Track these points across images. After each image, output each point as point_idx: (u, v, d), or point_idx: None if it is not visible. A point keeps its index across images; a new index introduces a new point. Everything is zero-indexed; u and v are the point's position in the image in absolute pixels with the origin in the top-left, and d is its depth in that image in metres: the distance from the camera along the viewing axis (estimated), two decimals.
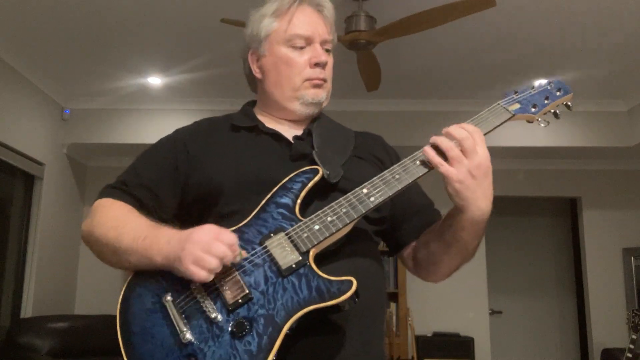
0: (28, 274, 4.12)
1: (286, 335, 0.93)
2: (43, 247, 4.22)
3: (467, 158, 1.00)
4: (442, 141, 1.02)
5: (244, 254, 1.00)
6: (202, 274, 0.94)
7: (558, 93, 1.20)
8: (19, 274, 4.08)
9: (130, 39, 3.46)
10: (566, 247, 5.70)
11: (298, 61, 1.20)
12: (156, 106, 4.53)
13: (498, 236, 5.23)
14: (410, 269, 1.26)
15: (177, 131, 1.27)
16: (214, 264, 0.94)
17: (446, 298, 4.75)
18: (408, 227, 1.23)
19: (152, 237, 1.03)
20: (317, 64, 1.20)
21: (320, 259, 1.01)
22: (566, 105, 1.21)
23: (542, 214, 5.79)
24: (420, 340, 4.56)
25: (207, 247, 0.95)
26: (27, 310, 4.07)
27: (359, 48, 2.86)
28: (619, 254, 4.91)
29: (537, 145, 4.41)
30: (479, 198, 1.02)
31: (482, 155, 1.01)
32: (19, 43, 3.53)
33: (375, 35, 2.80)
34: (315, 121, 1.26)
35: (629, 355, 3.23)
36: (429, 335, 4.69)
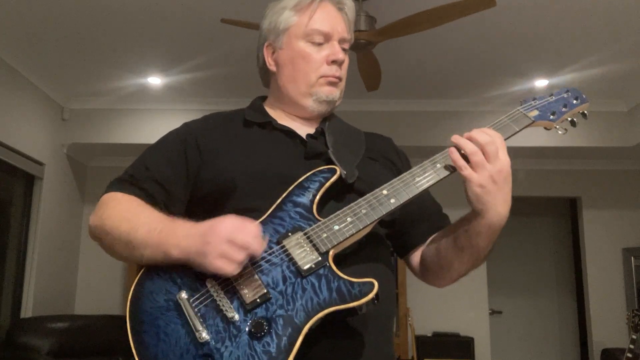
0: (28, 274, 4.12)
1: (305, 336, 0.92)
2: (43, 247, 4.22)
3: (489, 163, 0.99)
4: (466, 144, 1.01)
5: (266, 239, 0.98)
6: (229, 268, 0.93)
7: (575, 101, 1.21)
8: (19, 274, 4.08)
9: (130, 39, 3.46)
10: (566, 247, 5.70)
11: (315, 57, 1.19)
12: (156, 106, 4.53)
13: (498, 236, 5.21)
14: (416, 273, 1.25)
15: (186, 125, 1.24)
16: (241, 256, 0.93)
17: (446, 298, 4.74)
18: (417, 231, 1.22)
19: (168, 230, 1.00)
20: (334, 62, 1.19)
21: (337, 260, 1.00)
22: (582, 114, 1.23)
23: (542, 214, 5.78)
24: (420, 340, 4.56)
25: (232, 239, 0.93)
26: (27, 310, 4.07)
27: (359, 48, 2.86)
28: (619, 254, 4.91)
29: (537, 145, 4.41)
30: (499, 203, 1.01)
31: (503, 161, 1.00)
32: (19, 43, 3.53)
33: (375, 35, 2.80)
34: (327, 120, 1.25)
35: (629, 355, 3.23)
36: (429, 335, 4.69)
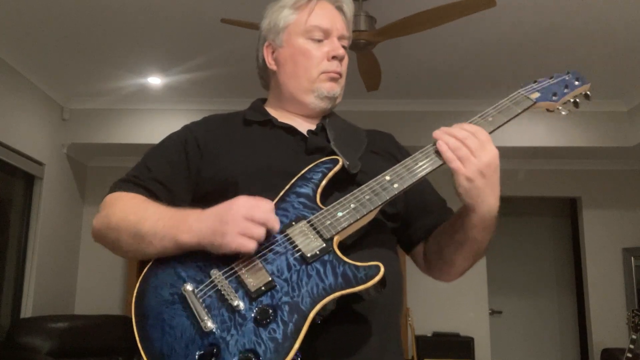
0: (28, 274, 4.12)
1: (312, 322, 0.91)
2: (43, 247, 4.22)
3: (475, 157, 0.99)
4: (448, 139, 1.01)
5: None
6: (250, 245, 0.94)
7: (577, 82, 1.21)
8: (19, 274, 4.08)
9: (130, 39, 3.46)
10: (566, 247, 5.70)
11: (316, 53, 1.20)
12: (156, 106, 4.53)
13: (498, 236, 5.19)
14: (422, 269, 1.25)
15: (186, 127, 1.25)
16: (261, 231, 0.94)
17: (446, 298, 4.75)
18: (420, 226, 1.22)
19: (178, 217, 1.01)
20: (334, 57, 1.20)
21: (342, 248, 1.00)
22: (585, 95, 1.22)
23: (542, 214, 5.79)
24: (420, 340, 4.56)
25: (250, 216, 0.94)
26: (27, 310, 4.07)
27: (359, 48, 2.86)
28: (619, 254, 4.91)
29: (537, 145, 4.41)
30: (488, 195, 1.01)
31: (490, 153, 1.00)
32: (19, 43, 3.53)
33: (375, 35, 2.80)
34: (327, 118, 1.26)
35: (629, 355, 3.23)
36: (429, 335, 4.70)
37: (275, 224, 0.96)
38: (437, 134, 1.03)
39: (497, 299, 5.37)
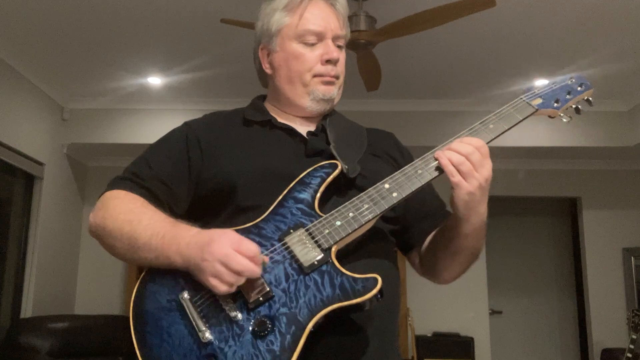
0: (28, 274, 4.12)
1: (309, 333, 0.91)
2: (43, 247, 4.22)
3: (476, 172, 0.99)
4: (451, 155, 1.00)
5: (266, 259, 0.97)
6: (221, 288, 0.92)
7: (579, 88, 1.20)
8: (19, 274, 4.08)
9: (130, 39, 3.46)
10: (566, 247, 5.70)
11: (309, 57, 1.18)
12: (156, 106, 4.53)
13: (498, 236, 5.23)
14: (418, 271, 1.26)
15: (187, 124, 1.23)
16: (233, 279, 0.92)
17: (446, 298, 4.74)
18: (418, 230, 1.22)
19: (171, 237, 0.99)
20: (328, 61, 1.18)
21: (340, 256, 0.99)
22: (587, 100, 1.22)
23: (542, 214, 5.78)
24: (420, 340, 4.56)
25: (226, 261, 0.91)
26: (27, 310, 4.06)
27: (359, 48, 2.86)
28: (619, 254, 4.91)
29: (537, 145, 4.41)
30: (482, 205, 1.03)
31: (488, 168, 1.01)
32: (19, 43, 3.53)
33: (375, 35, 2.80)
34: (328, 117, 1.24)
35: (629, 355, 3.23)
36: (429, 335, 4.69)
37: (254, 272, 0.93)
38: (438, 154, 1.02)
39: (497, 299, 5.37)
